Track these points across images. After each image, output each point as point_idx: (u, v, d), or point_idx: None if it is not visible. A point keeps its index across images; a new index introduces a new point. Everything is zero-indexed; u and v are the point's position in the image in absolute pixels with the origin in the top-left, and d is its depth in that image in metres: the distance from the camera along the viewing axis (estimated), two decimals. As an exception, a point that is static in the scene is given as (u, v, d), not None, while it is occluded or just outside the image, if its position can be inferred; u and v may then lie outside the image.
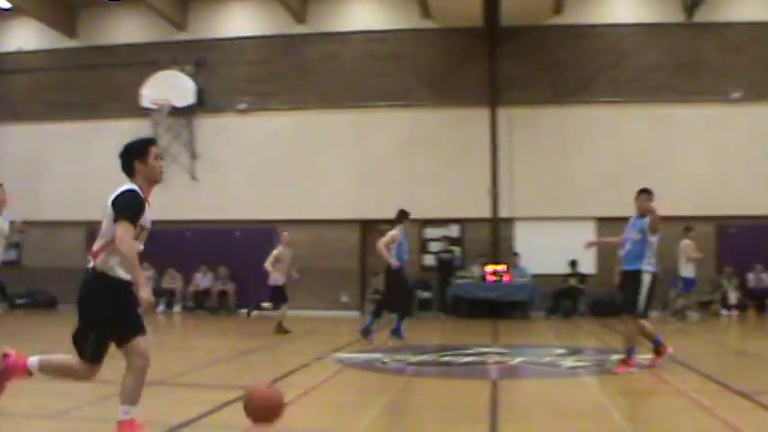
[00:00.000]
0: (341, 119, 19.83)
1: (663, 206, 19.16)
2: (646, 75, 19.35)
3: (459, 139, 19.40)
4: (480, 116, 19.34)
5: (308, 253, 19.57)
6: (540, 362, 9.82)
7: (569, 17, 19.44)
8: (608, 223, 19.00)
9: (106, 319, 4.77)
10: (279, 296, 14.13)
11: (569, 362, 9.61)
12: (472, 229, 19.55)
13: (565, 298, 18.75)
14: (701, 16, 19.34)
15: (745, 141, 19.10)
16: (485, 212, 19.24)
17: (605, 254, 18.74)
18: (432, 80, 19.63)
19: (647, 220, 8.79)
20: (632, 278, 8.69)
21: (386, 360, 9.91)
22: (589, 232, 18.85)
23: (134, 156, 4.96)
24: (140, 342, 4.82)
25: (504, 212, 19.13)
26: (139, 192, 4.88)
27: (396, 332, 12.21)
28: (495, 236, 19.31)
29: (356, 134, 19.76)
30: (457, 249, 19.37)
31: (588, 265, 18.78)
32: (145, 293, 4.62)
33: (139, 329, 4.85)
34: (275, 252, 14.15)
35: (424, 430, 4.85)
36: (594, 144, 19.20)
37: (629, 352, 8.68)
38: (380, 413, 6.41)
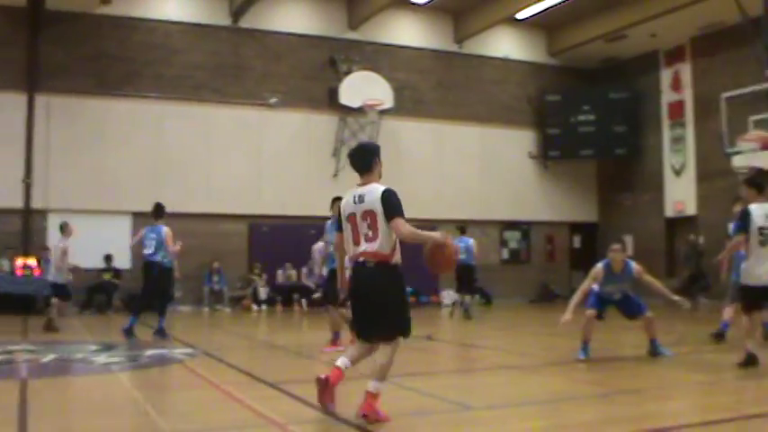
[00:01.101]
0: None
1: (198, 205, 19.90)
2: (190, 73, 19.88)
3: (-8, 126, 18.43)
4: (17, 102, 18.37)
5: None
6: (72, 358, 9.69)
7: (118, 8, 19.20)
8: (145, 218, 19.21)
9: (407, 300, 5.86)
10: (64, 293, 13.39)
11: (103, 358, 9.61)
12: (2, 219, 18.66)
13: (99, 293, 18.73)
14: (247, 22, 20.30)
15: (280, 145, 20.46)
16: (17, 202, 18.51)
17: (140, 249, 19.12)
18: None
19: None
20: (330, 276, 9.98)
21: None
22: (125, 227, 19.04)
23: (377, 154, 5.70)
24: None
25: (37, 203, 18.61)
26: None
27: (161, 331, 12.09)
28: (27, 228, 18.69)
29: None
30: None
31: (123, 260, 18.95)
32: (441, 236, 5.62)
33: None
34: (62, 246, 13.17)
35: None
36: (135, 138, 19.30)
37: (336, 336, 10.21)
38: None
